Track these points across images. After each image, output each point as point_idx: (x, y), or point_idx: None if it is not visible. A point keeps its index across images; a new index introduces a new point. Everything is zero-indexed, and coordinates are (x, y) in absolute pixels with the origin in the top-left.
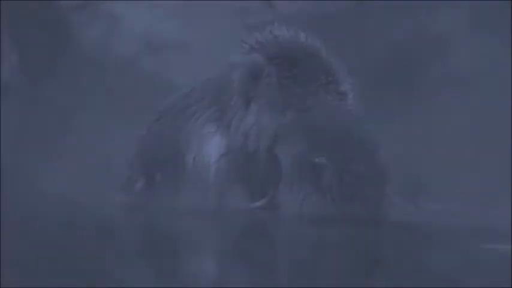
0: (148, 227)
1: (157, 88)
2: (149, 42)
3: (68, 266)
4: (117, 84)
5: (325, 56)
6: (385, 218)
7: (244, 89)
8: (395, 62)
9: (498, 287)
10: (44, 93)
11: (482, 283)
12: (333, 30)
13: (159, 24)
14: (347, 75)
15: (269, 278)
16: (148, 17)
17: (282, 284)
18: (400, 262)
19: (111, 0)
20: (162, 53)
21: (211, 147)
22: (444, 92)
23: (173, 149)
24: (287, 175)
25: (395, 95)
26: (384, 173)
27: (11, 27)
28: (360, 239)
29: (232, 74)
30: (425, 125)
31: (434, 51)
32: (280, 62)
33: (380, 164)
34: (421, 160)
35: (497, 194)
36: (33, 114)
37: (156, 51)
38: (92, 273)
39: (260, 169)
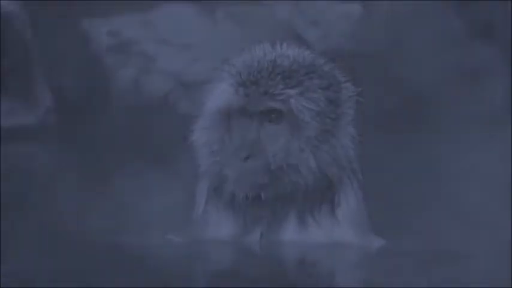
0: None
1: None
2: (182, 81)
3: None
4: (152, 123)
5: (323, 65)
6: None
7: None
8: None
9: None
10: (79, 132)
11: None
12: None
13: (191, 64)
14: (348, 84)
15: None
16: (181, 57)
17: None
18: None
19: (144, 40)
20: (194, 91)
21: None
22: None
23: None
24: None
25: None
26: None
27: (46, 67)
28: None
29: None
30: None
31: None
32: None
33: None
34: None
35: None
36: (69, 153)
37: (188, 90)
38: None
39: None
